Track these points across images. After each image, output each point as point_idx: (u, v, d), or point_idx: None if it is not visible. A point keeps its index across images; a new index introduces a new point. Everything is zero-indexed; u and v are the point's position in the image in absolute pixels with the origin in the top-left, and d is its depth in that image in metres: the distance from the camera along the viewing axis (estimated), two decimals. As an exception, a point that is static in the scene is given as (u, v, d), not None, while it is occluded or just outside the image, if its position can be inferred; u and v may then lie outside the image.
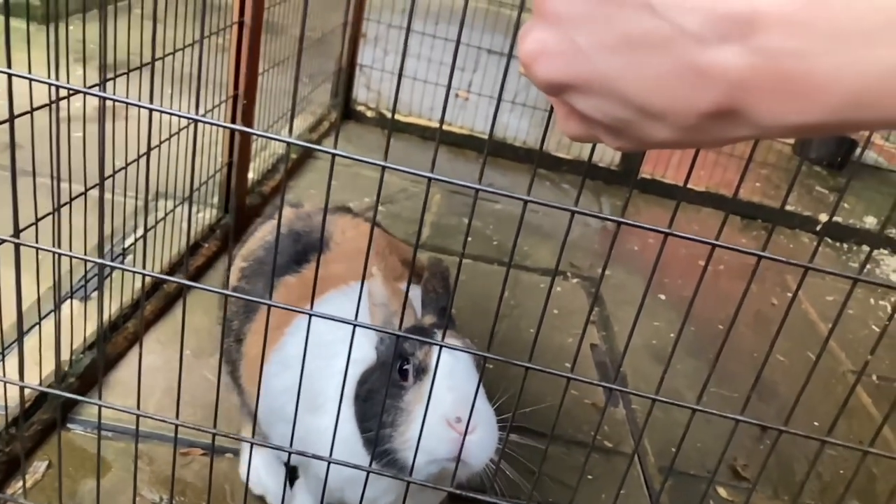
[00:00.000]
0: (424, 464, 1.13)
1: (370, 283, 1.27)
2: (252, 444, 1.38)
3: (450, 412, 1.11)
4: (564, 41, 0.49)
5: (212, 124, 0.85)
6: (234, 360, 1.50)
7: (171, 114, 0.83)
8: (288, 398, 1.14)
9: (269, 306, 0.98)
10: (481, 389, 1.12)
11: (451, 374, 1.15)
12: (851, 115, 0.44)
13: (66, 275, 1.76)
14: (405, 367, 1.20)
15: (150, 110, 0.81)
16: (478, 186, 0.86)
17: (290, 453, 1.19)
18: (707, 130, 0.48)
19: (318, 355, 1.20)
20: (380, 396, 1.17)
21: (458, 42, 0.78)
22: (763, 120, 0.45)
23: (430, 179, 0.85)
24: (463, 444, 1.09)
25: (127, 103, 0.82)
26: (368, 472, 1.14)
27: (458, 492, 1.14)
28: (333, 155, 0.83)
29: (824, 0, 0.42)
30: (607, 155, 3.96)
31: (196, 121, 0.81)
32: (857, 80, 0.42)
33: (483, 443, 1.14)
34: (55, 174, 0.97)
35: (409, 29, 0.80)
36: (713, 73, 0.44)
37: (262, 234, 1.64)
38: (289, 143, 0.82)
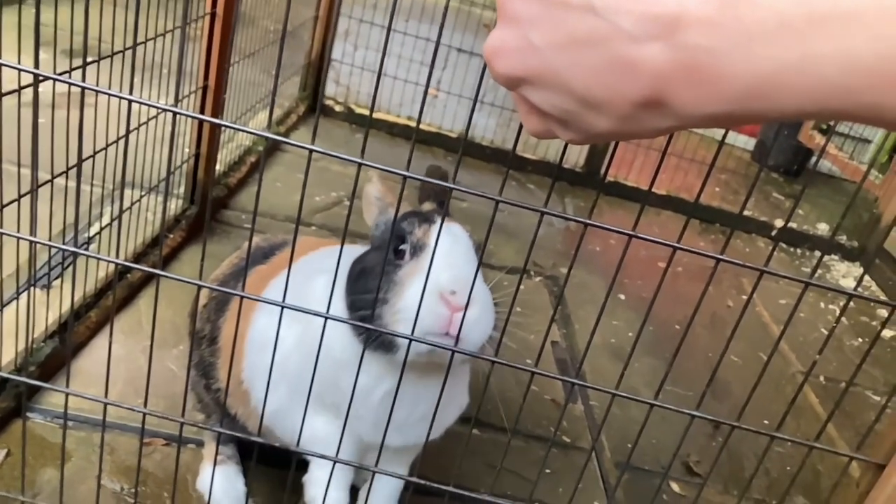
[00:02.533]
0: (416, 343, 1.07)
1: (367, 186, 1.27)
2: (214, 462, 1.38)
3: (445, 286, 1.07)
4: (521, 39, 0.55)
5: (189, 116, 0.86)
6: (207, 364, 1.50)
7: (149, 105, 0.83)
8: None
9: (242, 297, 0.99)
10: (479, 272, 1.08)
11: (450, 253, 1.11)
12: (750, 105, 0.50)
13: (28, 262, 1.73)
14: (402, 248, 1.17)
15: (130, 101, 0.81)
16: (452, 186, 0.88)
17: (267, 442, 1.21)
18: (639, 120, 0.54)
19: (303, 273, 1.18)
20: (373, 274, 1.13)
21: (437, 44, 0.80)
22: (682, 109, 0.52)
23: (405, 178, 0.86)
24: (462, 322, 1.04)
25: (108, 94, 0.82)
26: (362, 356, 1.08)
27: (419, 481, 1.16)
28: (310, 150, 0.84)
29: (735, 4, 0.48)
30: (572, 156, 4.01)
31: (175, 112, 0.81)
32: (754, 74, 0.49)
33: (478, 320, 1.09)
34: (32, 161, 0.97)
35: (389, 28, 0.82)
36: (642, 67, 0.51)
37: (228, 261, 1.67)
38: (267, 138, 0.83)
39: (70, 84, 0.86)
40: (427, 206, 1.31)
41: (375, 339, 1.12)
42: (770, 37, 0.47)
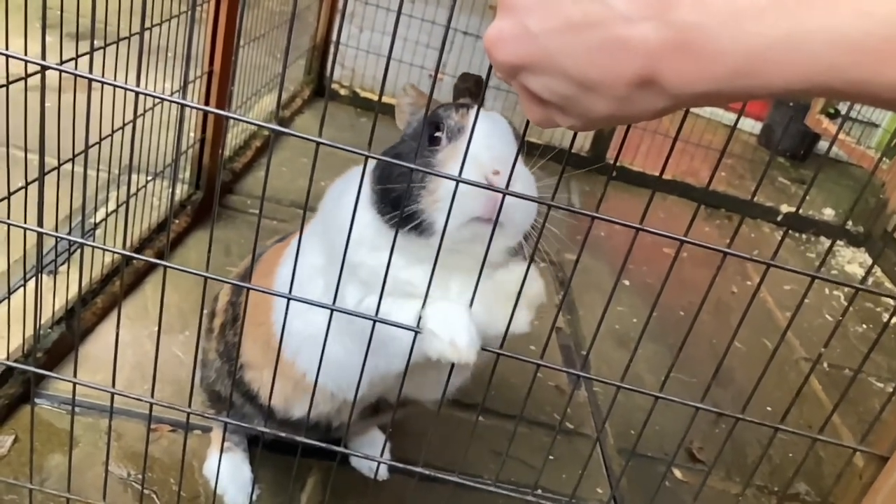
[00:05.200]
0: (456, 226, 1.00)
1: (399, 98, 1.23)
2: (221, 449, 1.35)
3: (487, 165, 0.99)
4: (518, 27, 0.57)
5: (195, 108, 0.85)
6: (231, 346, 1.44)
7: (156, 97, 0.83)
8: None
9: (249, 289, 0.98)
10: (520, 156, 1.01)
11: (490, 135, 1.05)
12: (739, 82, 0.51)
13: (34, 248, 1.73)
14: (437, 135, 1.10)
15: (137, 93, 0.80)
16: (458, 178, 0.87)
17: (263, 432, 1.21)
18: (635, 101, 0.55)
19: (338, 214, 1.13)
20: (408, 159, 1.04)
21: (447, 28, 0.79)
22: (674, 86, 0.53)
23: (411, 170, 0.86)
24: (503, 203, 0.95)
25: (114, 85, 0.81)
26: (393, 243, 0.97)
27: (423, 471, 1.16)
28: (318, 143, 0.83)
29: None
30: (578, 141, 4.00)
31: (181, 104, 0.81)
32: (743, 50, 0.49)
33: (523, 201, 1.00)
34: (39, 150, 0.96)
35: (399, 12, 0.81)
36: (634, 46, 0.52)
37: (249, 258, 1.63)
38: (274, 130, 0.82)
39: (76, 75, 0.85)
40: (462, 101, 1.25)
41: (410, 224, 1.03)
42: (759, 14, 0.48)
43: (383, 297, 1.00)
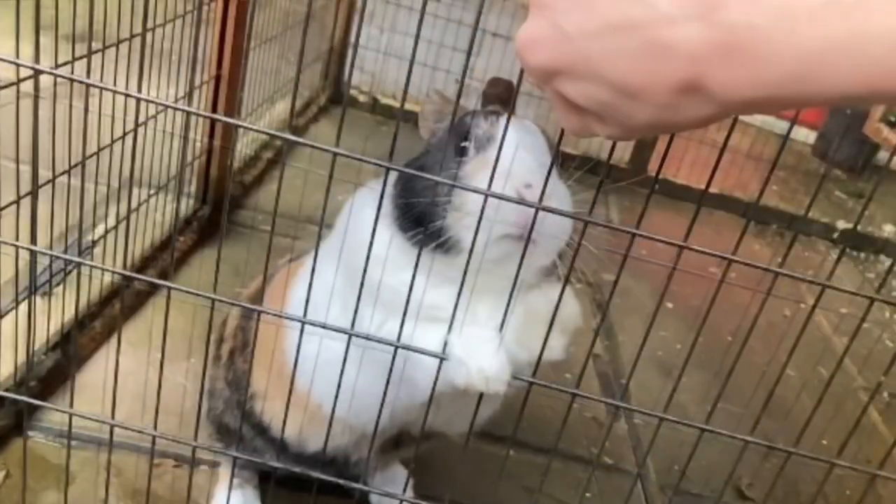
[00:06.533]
0: (486, 244, 0.99)
1: (424, 105, 1.23)
2: (230, 485, 1.33)
3: (518, 178, 0.98)
4: (552, 28, 0.56)
5: (202, 115, 0.85)
6: (241, 374, 1.43)
7: (159, 103, 0.82)
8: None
9: (260, 312, 0.97)
10: (554, 167, 0.98)
11: (522, 145, 1.04)
12: (793, 88, 0.49)
13: (28, 269, 1.74)
14: (464, 144, 1.09)
15: (138, 99, 0.80)
16: (488, 192, 0.86)
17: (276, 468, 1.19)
18: (679, 108, 0.54)
19: (356, 231, 1.12)
20: (432, 172, 1.03)
21: (475, 29, 0.77)
22: (722, 93, 0.51)
23: (436, 183, 0.85)
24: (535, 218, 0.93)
25: (113, 91, 0.81)
26: (417, 259, 0.96)
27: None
28: (335, 154, 0.82)
29: None
30: (617, 152, 3.96)
31: (186, 111, 0.80)
32: (798, 53, 0.48)
33: (556, 217, 0.98)
34: (33, 162, 0.96)
35: (423, 13, 0.80)
36: (678, 49, 0.51)
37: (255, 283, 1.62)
38: (287, 140, 0.81)
39: (72, 80, 0.85)
40: (491, 109, 1.24)
41: (435, 242, 1.03)
42: (815, 14, 0.47)
43: (406, 321, 0.99)
